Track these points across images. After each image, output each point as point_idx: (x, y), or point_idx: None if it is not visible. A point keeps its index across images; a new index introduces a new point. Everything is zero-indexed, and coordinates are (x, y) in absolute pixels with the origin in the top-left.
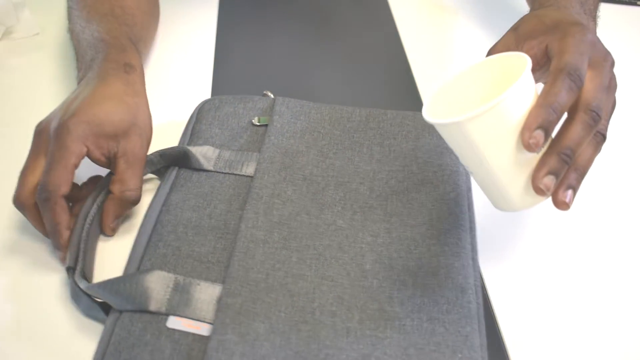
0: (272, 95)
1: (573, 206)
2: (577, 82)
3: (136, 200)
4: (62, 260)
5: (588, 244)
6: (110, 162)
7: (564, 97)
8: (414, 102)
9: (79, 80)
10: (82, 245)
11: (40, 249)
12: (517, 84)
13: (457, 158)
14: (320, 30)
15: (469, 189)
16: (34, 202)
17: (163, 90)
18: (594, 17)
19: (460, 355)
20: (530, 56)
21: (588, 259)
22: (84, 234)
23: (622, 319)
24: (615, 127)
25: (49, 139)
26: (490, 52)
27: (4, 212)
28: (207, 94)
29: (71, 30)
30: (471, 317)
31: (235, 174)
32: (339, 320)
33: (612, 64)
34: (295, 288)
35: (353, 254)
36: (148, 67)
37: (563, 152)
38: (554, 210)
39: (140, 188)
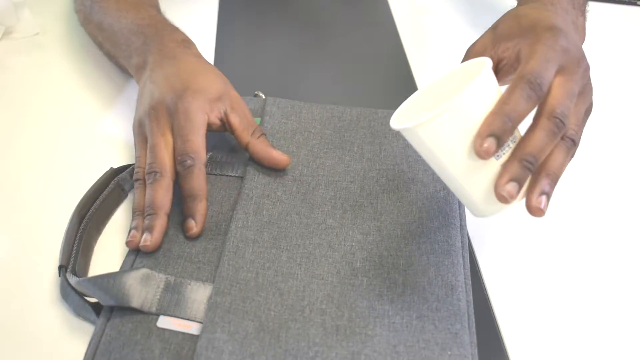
0: (263, 96)
1: (572, 204)
2: (537, 91)
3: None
4: (192, 231)
5: (587, 242)
6: (223, 123)
7: (521, 105)
8: None
9: (137, 65)
10: (76, 244)
11: (31, 248)
12: (466, 91)
13: None
14: (320, 30)
15: None
16: (171, 173)
17: None
18: (582, 12)
19: (449, 353)
20: (505, 58)
21: (587, 257)
22: (79, 233)
23: (621, 318)
24: (615, 127)
25: (169, 117)
26: (468, 52)
27: (3, 210)
28: None
29: (97, 23)
30: (461, 315)
31: (227, 175)
32: (328, 318)
33: (586, 69)
34: (285, 287)
35: (343, 252)
36: None
37: (525, 159)
38: (553, 207)
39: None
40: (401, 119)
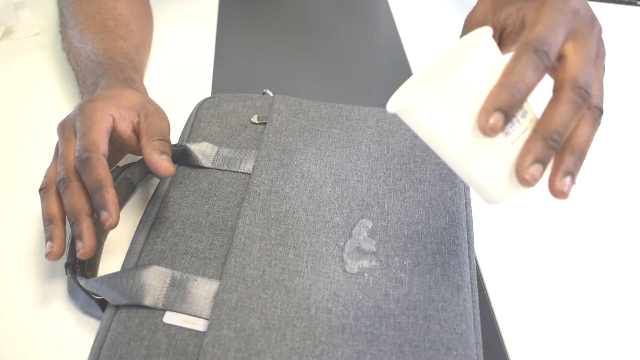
0: (271, 94)
1: (574, 204)
2: (544, 60)
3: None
4: (108, 222)
5: (588, 242)
6: (136, 134)
7: (529, 75)
8: None
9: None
10: None
11: (38, 244)
12: (465, 61)
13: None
14: (320, 30)
15: (467, 187)
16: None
17: (164, 89)
18: None
19: (455, 353)
20: (508, 25)
21: (588, 257)
22: None
23: (621, 319)
24: (615, 127)
25: (73, 125)
26: (467, 23)
27: (3, 209)
28: (207, 93)
29: (67, 50)
30: (466, 315)
31: (234, 171)
32: (334, 317)
33: (600, 30)
34: (292, 284)
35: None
36: (149, 67)
37: (550, 137)
38: (553, 207)
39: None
40: (398, 102)
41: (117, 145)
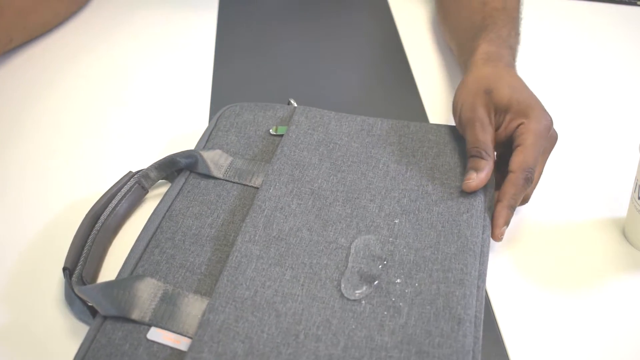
0: (295, 104)
1: (573, 205)
2: (530, 179)
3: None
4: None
5: (588, 242)
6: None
7: (522, 195)
8: (415, 102)
9: None
10: (85, 248)
11: (36, 247)
12: None
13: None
14: (319, 32)
15: (486, 210)
16: None
17: (176, 98)
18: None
19: None
20: (500, 127)
21: (588, 257)
22: (91, 237)
23: (621, 319)
24: (615, 127)
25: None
26: (460, 109)
27: (3, 212)
28: (206, 99)
29: None
30: (464, 353)
31: (244, 184)
32: (322, 346)
33: (553, 131)
34: (283, 308)
35: None
36: (156, 77)
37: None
38: (552, 208)
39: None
40: None
41: None
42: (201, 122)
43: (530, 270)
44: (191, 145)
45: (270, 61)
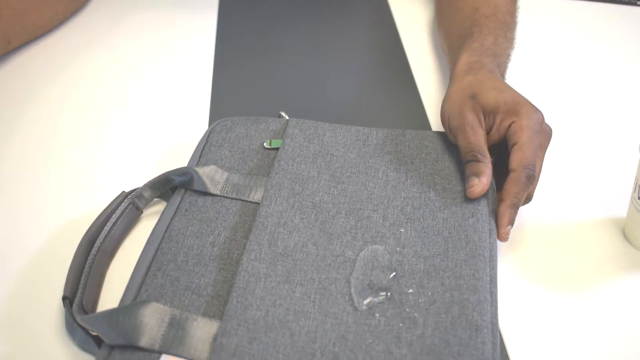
0: (286, 117)
1: (573, 206)
2: (532, 176)
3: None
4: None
5: (588, 242)
6: None
7: (525, 193)
8: (416, 104)
9: None
10: (83, 274)
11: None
12: None
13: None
14: (320, 34)
15: (491, 213)
16: None
17: (176, 102)
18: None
19: None
20: (491, 129)
21: (588, 257)
22: (88, 262)
23: (621, 319)
24: (615, 127)
25: None
26: (448, 119)
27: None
28: (205, 113)
29: None
30: None
31: (242, 200)
32: None
33: (545, 126)
34: (297, 327)
35: None
36: (150, 91)
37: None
38: (552, 208)
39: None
40: None
41: None
42: (201, 128)
43: (530, 270)
44: (190, 153)
45: (271, 64)
